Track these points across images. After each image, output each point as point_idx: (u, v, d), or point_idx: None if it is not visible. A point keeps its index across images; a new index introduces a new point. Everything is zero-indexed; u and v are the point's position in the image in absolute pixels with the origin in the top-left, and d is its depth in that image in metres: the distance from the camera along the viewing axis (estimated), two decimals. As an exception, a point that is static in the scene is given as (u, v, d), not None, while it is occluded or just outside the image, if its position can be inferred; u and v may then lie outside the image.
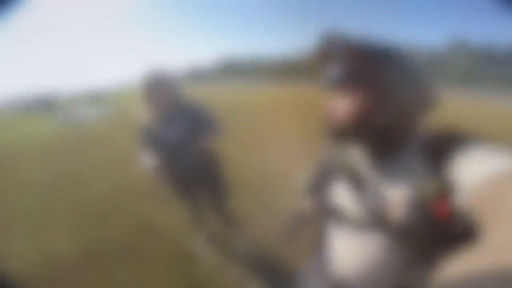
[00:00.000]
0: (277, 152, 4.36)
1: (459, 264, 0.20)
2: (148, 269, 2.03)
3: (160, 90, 1.49)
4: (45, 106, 15.75)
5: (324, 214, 0.84)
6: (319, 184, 0.86)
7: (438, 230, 0.55)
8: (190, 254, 2.11)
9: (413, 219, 0.58)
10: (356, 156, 0.75)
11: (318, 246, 0.97)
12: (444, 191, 0.53)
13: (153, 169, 1.60)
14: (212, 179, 1.81)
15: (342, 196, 0.75)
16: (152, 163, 1.61)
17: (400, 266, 0.65)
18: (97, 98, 18.41)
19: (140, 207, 2.98)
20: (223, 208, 1.95)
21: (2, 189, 4.16)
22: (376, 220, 0.64)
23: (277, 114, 7.58)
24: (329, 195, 0.81)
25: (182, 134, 1.58)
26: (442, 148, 0.59)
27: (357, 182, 0.70)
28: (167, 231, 2.46)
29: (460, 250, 0.47)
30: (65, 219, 2.93)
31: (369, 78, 0.61)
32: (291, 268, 1.91)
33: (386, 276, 0.68)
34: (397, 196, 0.63)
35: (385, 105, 0.61)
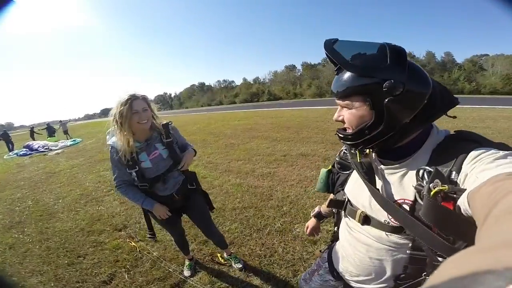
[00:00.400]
0: (259, 171, 4.47)
1: (456, 262, 0.19)
2: None
3: (141, 110, 1.42)
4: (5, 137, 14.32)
5: (337, 207, 0.91)
6: (335, 179, 0.94)
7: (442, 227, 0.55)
8: (178, 283, 2.05)
9: (418, 215, 0.58)
10: (369, 154, 0.79)
11: (329, 245, 1.05)
12: (450, 190, 0.52)
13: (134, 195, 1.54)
14: (196, 201, 1.80)
15: (353, 189, 0.81)
16: (131, 190, 1.54)
17: (403, 262, 0.69)
18: (62, 131, 17.20)
19: (117, 238, 2.84)
20: (212, 229, 1.96)
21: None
22: (388, 209, 0.65)
23: (252, 134, 7.78)
24: (343, 189, 0.88)
25: (161, 158, 1.55)
26: (451, 149, 0.59)
27: (368, 178, 0.72)
28: (147, 260, 2.36)
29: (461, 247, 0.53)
30: (35, 254, 2.73)
31: (366, 92, 0.62)
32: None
33: (387, 270, 0.72)
34: (404, 193, 0.65)
35: (382, 117, 0.61)
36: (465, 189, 0.50)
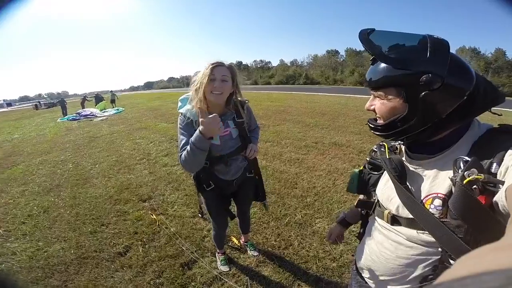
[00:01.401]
0: (287, 156, 4.29)
1: (469, 260, 0.18)
2: (142, 274, 1.95)
3: (219, 78, 1.26)
4: (58, 104, 16.03)
5: (366, 208, 0.89)
6: (367, 180, 0.89)
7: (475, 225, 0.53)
8: (188, 263, 2.03)
9: (451, 211, 0.55)
10: (400, 149, 0.77)
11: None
12: (487, 180, 0.50)
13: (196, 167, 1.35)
14: (248, 190, 1.70)
15: (384, 189, 0.78)
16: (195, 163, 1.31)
17: (433, 262, 0.64)
18: (109, 100, 18.49)
19: (140, 209, 2.92)
20: (247, 213, 1.91)
21: (8, 185, 4.15)
22: (414, 212, 0.63)
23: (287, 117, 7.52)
24: (374, 190, 0.85)
25: (231, 137, 1.44)
26: (493, 142, 0.57)
27: (398, 175, 0.69)
28: (163, 235, 2.39)
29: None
30: (64, 219, 2.89)
31: (401, 84, 0.61)
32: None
33: (415, 270, 0.67)
34: (439, 187, 0.62)
35: (416, 110, 0.60)
36: (503, 181, 0.48)
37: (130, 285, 1.86)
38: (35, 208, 3.23)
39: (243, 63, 78.24)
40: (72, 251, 2.29)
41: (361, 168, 0.94)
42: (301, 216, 2.52)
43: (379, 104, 0.66)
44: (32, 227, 2.79)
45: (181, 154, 1.27)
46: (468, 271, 0.15)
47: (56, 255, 2.27)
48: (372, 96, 0.69)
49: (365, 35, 0.63)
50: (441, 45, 0.58)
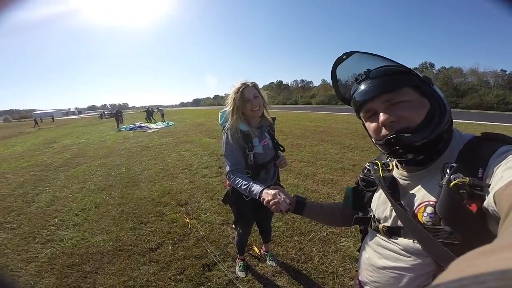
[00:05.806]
0: (320, 176, 4.25)
1: (461, 263, 0.19)
2: (166, 270, 2.11)
3: (252, 97, 1.49)
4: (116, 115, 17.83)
5: (363, 224, 0.90)
6: (361, 196, 0.90)
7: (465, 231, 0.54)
8: (209, 265, 2.15)
9: (442, 219, 0.57)
10: (393, 165, 0.79)
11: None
12: (472, 183, 0.52)
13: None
14: None
15: (378, 204, 0.79)
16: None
17: (431, 270, 0.64)
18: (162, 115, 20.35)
19: (176, 212, 3.17)
20: (269, 223, 2.00)
21: (70, 182, 4.86)
22: (407, 224, 0.65)
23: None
24: (368, 206, 0.86)
25: (269, 146, 1.61)
26: (477, 148, 0.59)
27: (391, 193, 0.71)
28: (193, 238, 2.55)
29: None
30: (110, 215, 3.25)
31: (413, 81, 0.64)
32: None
33: (413, 280, 0.67)
34: (430, 196, 0.64)
35: (437, 103, 0.63)
36: (489, 184, 0.49)
37: (153, 278, 2.03)
38: (88, 203, 3.71)
39: (284, 83, 79.13)
40: (110, 243, 2.56)
41: (355, 185, 0.94)
42: (326, 233, 2.48)
43: (406, 107, 0.62)
44: (83, 219, 3.18)
45: (234, 178, 1.38)
46: (463, 273, 0.15)
47: (96, 245, 2.55)
48: (381, 112, 0.64)
49: (359, 53, 0.74)
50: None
